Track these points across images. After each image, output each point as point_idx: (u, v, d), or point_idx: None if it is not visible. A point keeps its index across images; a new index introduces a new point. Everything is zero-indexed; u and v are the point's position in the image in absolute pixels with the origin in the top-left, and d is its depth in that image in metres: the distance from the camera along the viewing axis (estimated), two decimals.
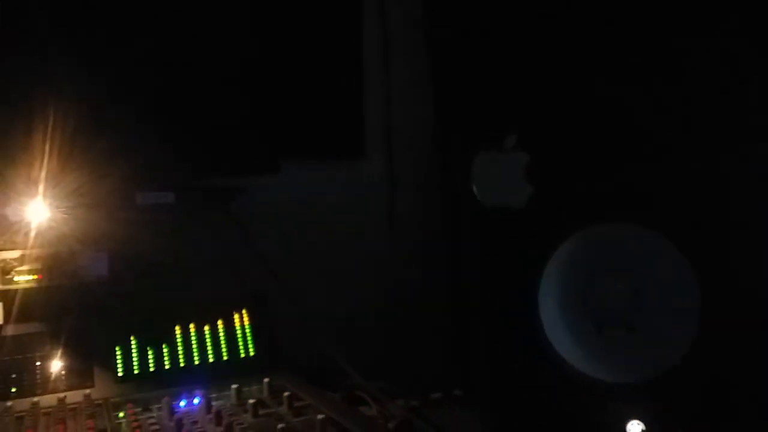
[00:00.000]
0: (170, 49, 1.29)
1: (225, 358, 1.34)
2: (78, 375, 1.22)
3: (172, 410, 1.08)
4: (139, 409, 1.11)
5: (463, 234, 1.51)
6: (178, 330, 1.31)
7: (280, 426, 0.94)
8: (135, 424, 1.01)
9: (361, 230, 1.61)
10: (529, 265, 1.22)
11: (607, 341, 1.16)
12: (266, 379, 1.18)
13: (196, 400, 1.17)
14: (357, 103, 1.64)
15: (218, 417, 1.03)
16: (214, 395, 1.16)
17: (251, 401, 1.07)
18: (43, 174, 1.07)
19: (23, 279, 1.18)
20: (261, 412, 1.07)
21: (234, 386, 1.16)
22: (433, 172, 1.69)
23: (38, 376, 1.20)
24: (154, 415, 1.09)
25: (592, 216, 1.17)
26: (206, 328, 1.33)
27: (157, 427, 1.02)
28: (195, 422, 1.04)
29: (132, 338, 1.27)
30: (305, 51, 1.53)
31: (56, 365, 1.21)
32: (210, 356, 1.32)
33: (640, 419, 1.11)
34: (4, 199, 1.10)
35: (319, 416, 0.96)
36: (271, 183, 1.45)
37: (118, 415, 1.11)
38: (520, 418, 1.21)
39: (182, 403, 1.15)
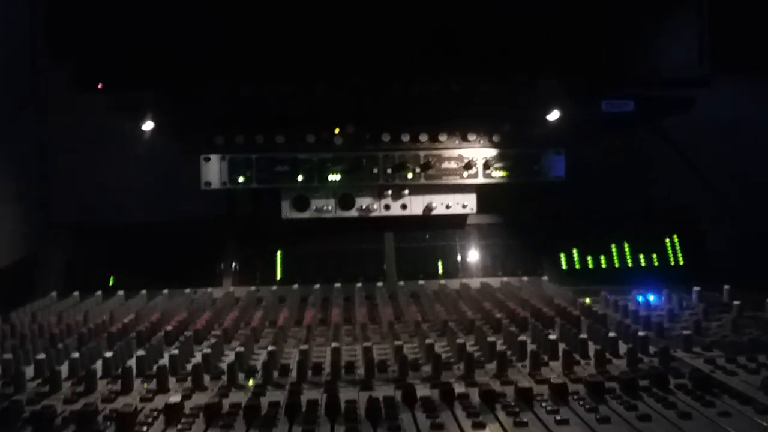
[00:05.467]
0: None
1: (655, 264, 1.40)
2: (530, 263, 1.38)
3: (646, 303, 1.17)
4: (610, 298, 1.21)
5: None
6: (613, 233, 1.41)
7: None
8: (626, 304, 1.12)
9: None
10: None
11: None
12: (726, 286, 1.22)
13: (652, 298, 1.24)
14: None
15: (705, 312, 1.10)
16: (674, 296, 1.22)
17: (735, 303, 1.11)
18: None
19: (498, 175, 1.34)
20: (744, 314, 1.10)
21: (696, 288, 1.21)
22: None
23: (496, 261, 1.38)
24: (628, 304, 1.18)
25: None
26: (638, 233, 1.41)
27: (637, 315, 1.11)
28: (675, 315, 1.12)
29: (576, 237, 1.40)
30: None
31: (512, 253, 1.38)
32: (641, 261, 1.40)
33: None
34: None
35: None
36: (703, 97, 1.45)
37: (585, 300, 1.23)
38: None
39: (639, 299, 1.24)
